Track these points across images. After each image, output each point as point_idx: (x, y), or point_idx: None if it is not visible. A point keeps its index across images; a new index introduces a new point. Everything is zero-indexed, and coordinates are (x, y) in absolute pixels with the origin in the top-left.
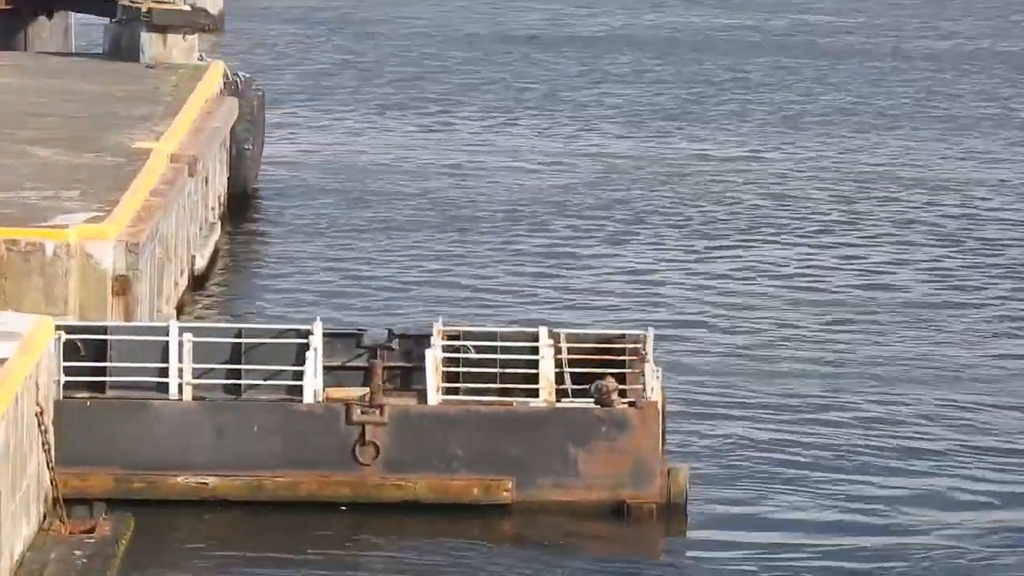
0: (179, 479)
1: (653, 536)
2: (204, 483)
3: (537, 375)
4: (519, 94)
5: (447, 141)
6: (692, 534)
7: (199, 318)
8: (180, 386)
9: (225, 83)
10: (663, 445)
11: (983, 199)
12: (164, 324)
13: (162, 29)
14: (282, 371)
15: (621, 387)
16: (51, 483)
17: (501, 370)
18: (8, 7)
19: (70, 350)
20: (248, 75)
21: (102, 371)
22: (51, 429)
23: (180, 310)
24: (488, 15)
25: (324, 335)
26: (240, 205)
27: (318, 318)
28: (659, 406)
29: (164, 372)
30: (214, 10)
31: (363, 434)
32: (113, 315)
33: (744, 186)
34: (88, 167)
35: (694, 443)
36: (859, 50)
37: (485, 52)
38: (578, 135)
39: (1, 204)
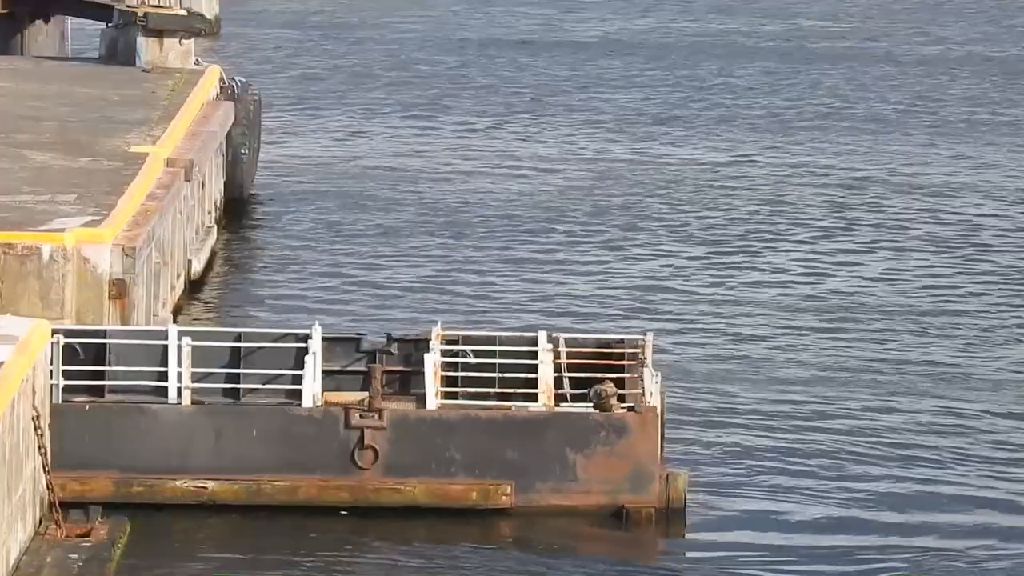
0: (178, 483)
1: (652, 541)
2: (203, 487)
3: (536, 380)
4: (514, 99)
5: (443, 145)
6: (691, 539)
7: (195, 320)
8: (179, 390)
9: (221, 87)
10: (662, 450)
11: (978, 204)
12: (163, 328)
13: (158, 33)
14: (281, 375)
15: (620, 392)
16: (47, 487)
17: (500, 374)
18: (4, 11)
19: (69, 354)
20: (244, 79)
21: (101, 375)
22: (47, 433)
23: (176, 314)
24: (482, 20)
25: (323, 339)
26: (236, 209)
27: (317, 322)
28: (658, 411)
29: (163, 376)
30: (210, 14)
31: (362, 438)
32: (110, 319)
33: (740, 191)
34: (85, 171)
35: (693, 448)
36: (852, 55)
37: (479, 57)
38: (573, 140)
39: None
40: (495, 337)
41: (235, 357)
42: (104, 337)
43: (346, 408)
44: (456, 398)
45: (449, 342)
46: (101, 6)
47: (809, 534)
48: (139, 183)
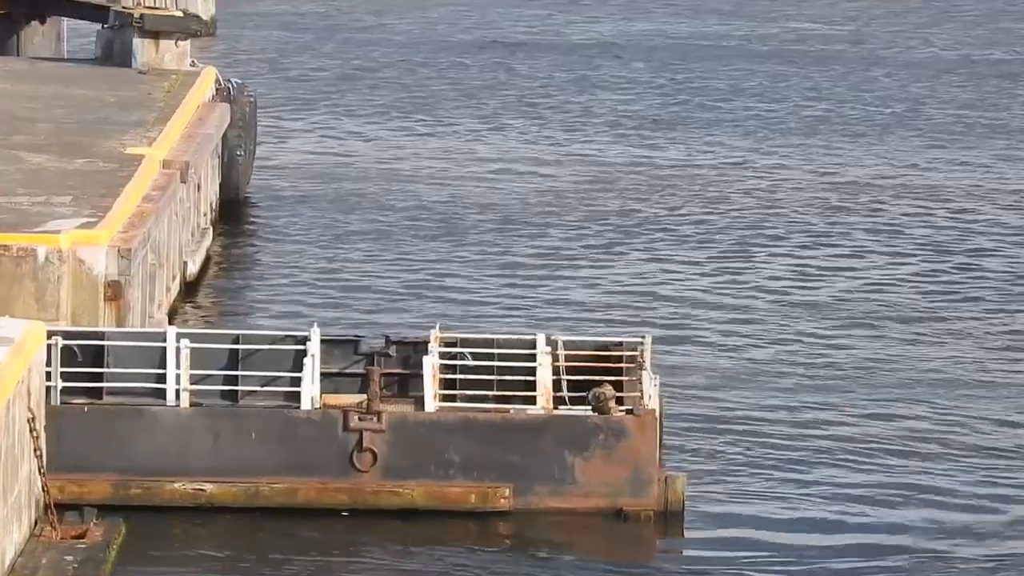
0: (176, 485)
1: (650, 544)
2: (202, 489)
3: (534, 382)
4: (511, 101)
5: (439, 147)
6: (689, 541)
7: (190, 322)
8: (178, 392)
9: (217, 89)
10: (660, 453)
11: (973, 207)
12: (162, 330)
13: (154, 35)
14: (279, 378)
15: (618, 395)
16: (43, 489)
17: (498, 377)
18: (0, 12)
19: (67, 356)
20: (240, 81)
21: (100, 377)
22: (43, 434)
23: (172, 316)
24: (477, 22)
25: (321, 342)
26: (232, 211)
27: (315, 325)
28: (656, 414)
29: (162, 378)
30: (206, 16)
31: (360, 441)
32: (105, 321)
33: (736, 194)
34: (80, 173)
35: (691, 451)
36: (847, 58)
37: (475, 59)
38: (570, 142)
39: None
40: (493, 340)
41: (233, 359)
42: (103, 339)
43: (345, 410)
44: (454, 401)
45: (447, 345)
46: (97, 7)
47: (807, 537)
48: (135, 185)
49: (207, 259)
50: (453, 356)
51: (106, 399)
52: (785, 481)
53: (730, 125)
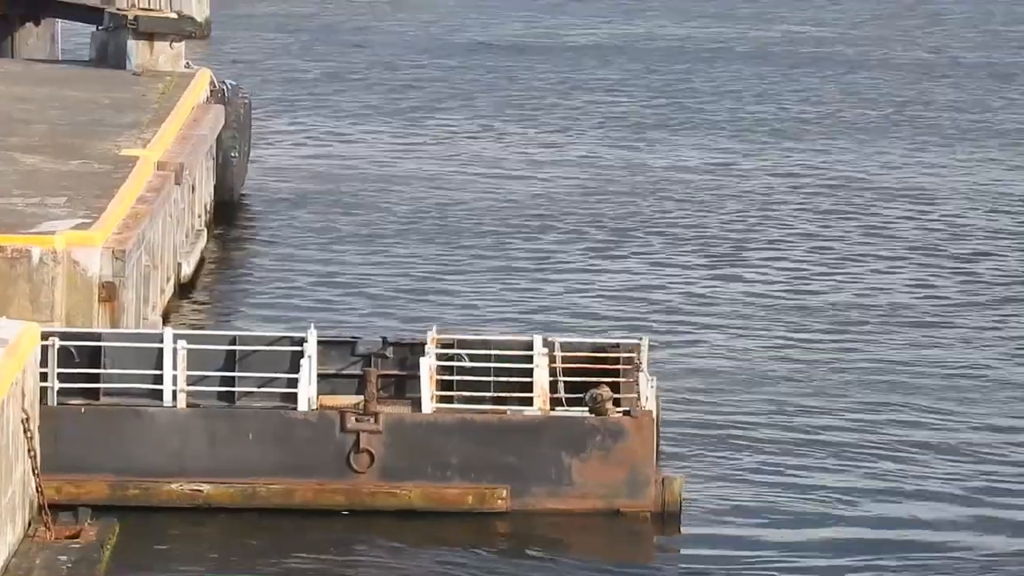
0: (173, 486)
1: (647, 545)
2: (199, 490)
3: (531, 383)
4: (505, 103)
5: (435, 149)
6: (686, 543)
7: (185, 324)
8: (174, 393)
9: (212, 90)
10: (657, 454)
11: (968, 209)
12: (158, 331)
13: (149, 36)
14: (276, 378)
15: (615, 396)
16: (37, 489)
17: (495, 378)
18: None
19: (64, 357)
20: (234, 82)
21: (97, 378)
22: (37, 435)
23: (166, 317)
24: (472, 25)
25: (318, 343)
26: (227, 213)
27: (312, 326)
28: (653, 415)
29: (158, 379)
30: (200, 18)
31: (358, 442)
32: (99, 322)
33: (732, 196)
34: (75, 174)
35: (688, 452)
36: (843, 60)
37: (469, 61)
38: (565, 144)
39: None
40: (490, 341)
41: (230, 360)
42: (99, 340)
43: (342, 412)
44: (451, 402)
45: (444, 346)
46: (92, 9)
47: (805, 538)
48: (129, 186)
49: (201, 261)
50: (450, 357)
51: (103, 400)
52: (782, 483)
53: (725, 128)
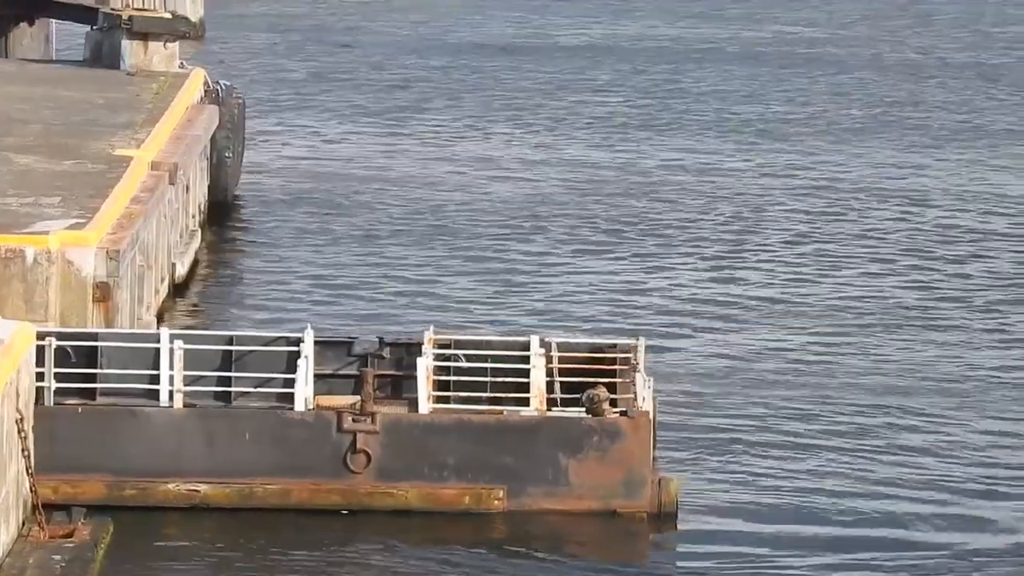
0: (170, 486)
1: (644, 546)
2: (195, 490)
3: (528, 384)
4: (500, 103)
5: (429, 149)
6: (683, 544)
7: (179, 324)
8: (171, 393)
9: (206, 91)
10: (654, 455)
11: (960, 210)
12: (155, 331)
13: (143, 37)
14: (273, 379)
15: (612, 396)
16: (31, 489)
17: (492, 379)
18: None
19: (61, 357)
20: (229, 83)
21: (93, 378)
22: (31, 435)
23: (160, 318)
24: (465, 25)
25: (315, 343)
26: (221, 213)
27: (309, 326)
28: (650, 416)
29: (155, 379)
30: (195, 18)
31: (354, 442)
32: (93, 322)
33: (727, 197)
34: (69, 174)
35: (685, 453)
36: (833, 61)
37: (463, 61)
38: (560, 144)
39: None
40: (487, 341)
41: (227, 360)
42: (96, 340)
43: (338, 412)
44: (448, 402)
45: (441, 346)
46: (86, 9)
47: (801, 539)
48: (123, 186)
49: (195, 261)
50: (447, 358)
51: (100, 400)
52: (778, 483)
53: (716, 128)
